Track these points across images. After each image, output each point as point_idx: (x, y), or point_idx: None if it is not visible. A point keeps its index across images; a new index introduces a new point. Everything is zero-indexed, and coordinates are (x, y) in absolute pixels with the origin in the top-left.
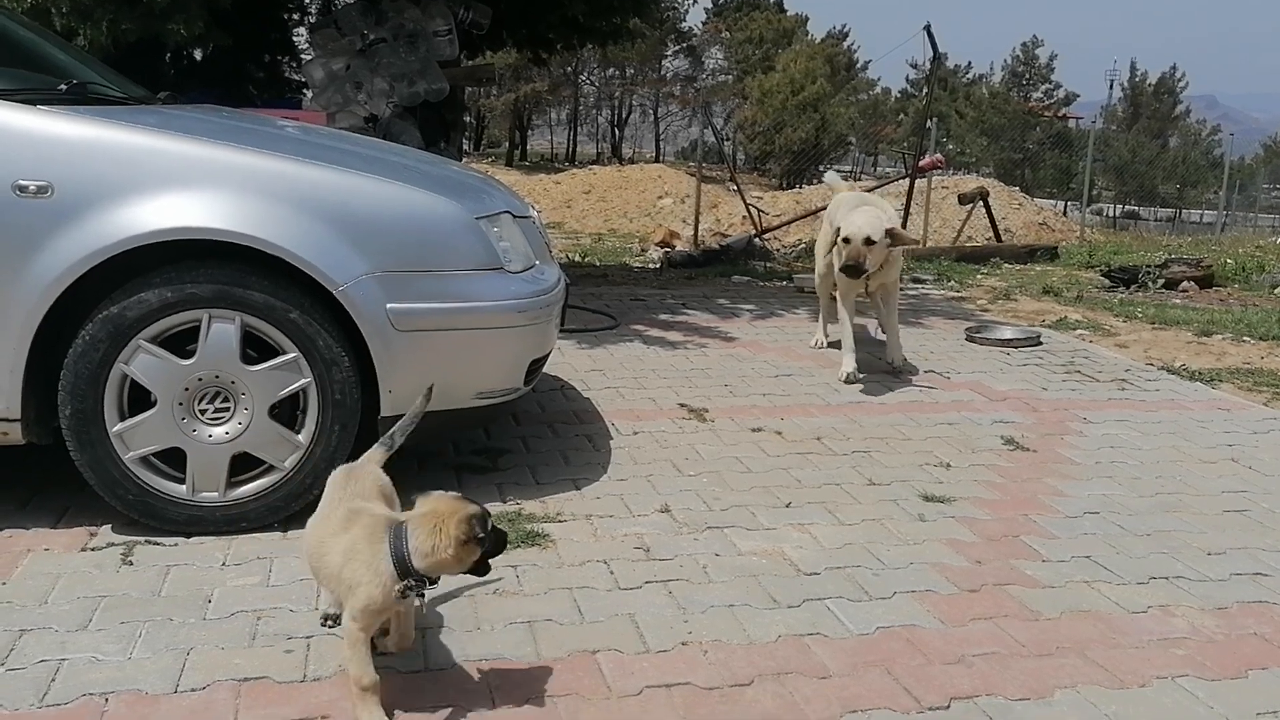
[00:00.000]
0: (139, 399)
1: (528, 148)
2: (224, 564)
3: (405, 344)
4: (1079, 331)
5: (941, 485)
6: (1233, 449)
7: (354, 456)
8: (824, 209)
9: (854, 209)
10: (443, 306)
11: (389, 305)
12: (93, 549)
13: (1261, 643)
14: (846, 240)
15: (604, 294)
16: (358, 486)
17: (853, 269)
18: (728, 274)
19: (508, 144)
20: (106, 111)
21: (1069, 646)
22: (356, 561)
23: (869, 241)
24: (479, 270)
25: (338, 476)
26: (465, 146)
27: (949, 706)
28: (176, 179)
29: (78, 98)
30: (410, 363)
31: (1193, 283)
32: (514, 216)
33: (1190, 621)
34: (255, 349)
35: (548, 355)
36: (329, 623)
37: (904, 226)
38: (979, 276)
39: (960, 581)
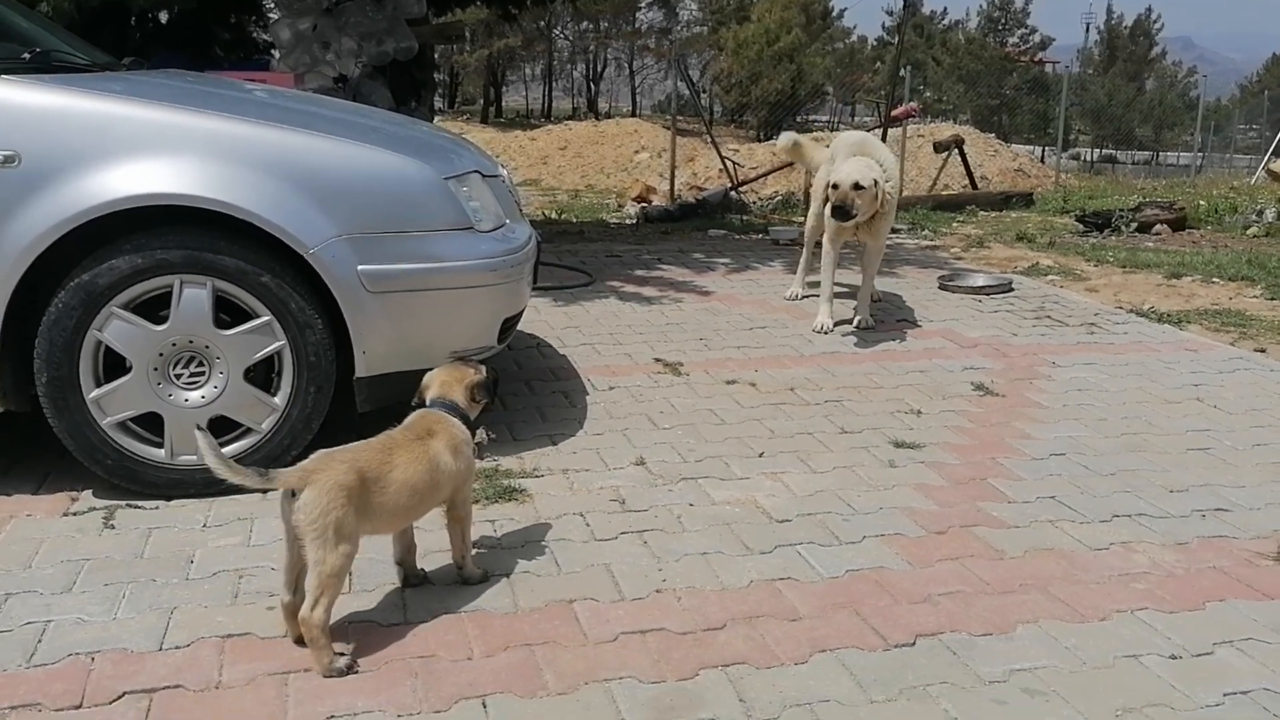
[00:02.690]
0: (114, 365)
1: (503, 104)
2: (205, 525)
3: (378, 305)
4: (1050, 277)
5: (912, 431)
6: (1198, 389)
7: (330, 418)
8: None
9: (848, 159)
10: (414, 267)
11: (360, 267)
12: (74, 514)
13: (1220, 575)
14: (835, 186)
15: (580, 250)
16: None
17: (840, 210)
18: (704, 228)
19: (482, 101)
20: (71, 79)
21: (1032, 584)
22: (462, 451)
23: (858, 186)
24: (449, 230)
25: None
26: (439, 105)
27: (914, 644)
28: (144, 145)
29: (42, 66)
30: (384, 324)
31: (1165, 225)
32: (483, 176)
33: (1151, 557)
34: (228, 313)
35: (521, 313)
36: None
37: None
38: (954, 224)
39: (928, 524)
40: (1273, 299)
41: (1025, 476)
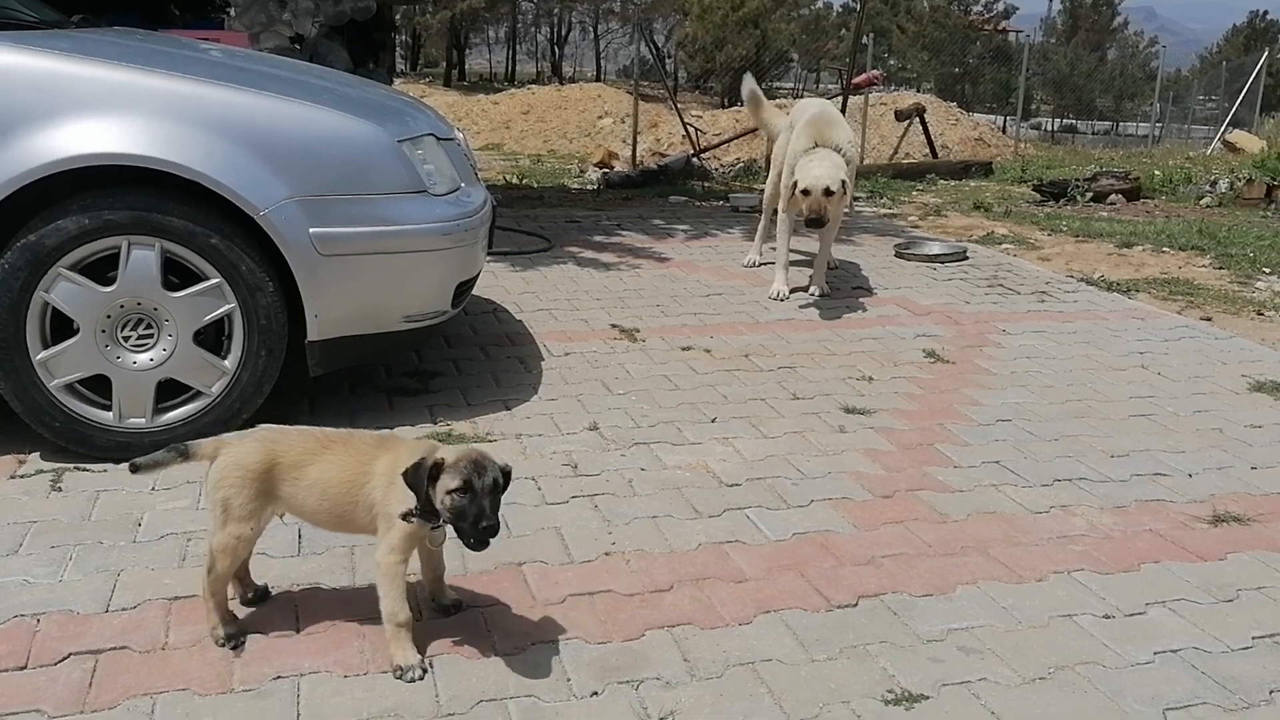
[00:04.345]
0: (62, 327)
1: (466, 67)
2: (153, 489)
3: (330, 268)
4: (1004, 246)
5: (863, 398)
6: (1144, 356)
7: (281, 381)
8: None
9: (812, 155)
10: (366, 230)
11: (312, 230)
12: (22, 476)
13: (1155, 538)
14: (806, 192)
15: (540, 216)
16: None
17: (815, 222)
18: (665, 194)
19: (445, 64)
20: (16, 36)
21: (973, 546)
22: (398, 489)
23: (828, 192)
24: (402, 193)
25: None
26: (401, 67)
27: (857, 604)
28: (91, 104)
29: None
30: (335, 287)
31: (1120, 195)
32: (438, 139)
33: (1089, 520)
34: (178, 275)
35: (476, 277)
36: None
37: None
38: (913, 193)
39: (875, 488)
40: (1221, 268)
41: (971, 442)
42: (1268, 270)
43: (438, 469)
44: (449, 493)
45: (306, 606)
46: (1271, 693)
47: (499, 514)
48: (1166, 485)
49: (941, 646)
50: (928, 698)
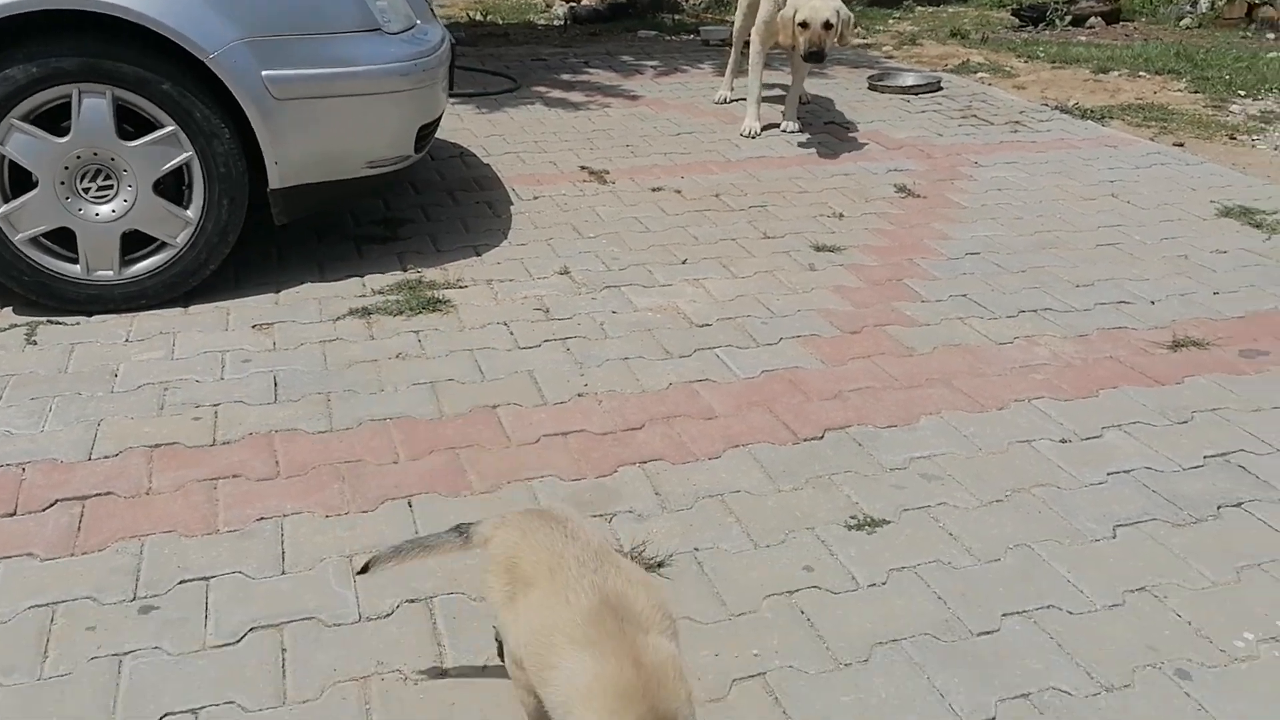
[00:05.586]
0: (21, 181)
1: None
2: (127, 340)
3: (286, 113)
4: (980, 75)
5: (833, 235)
6: (1114, 184)
7: (247, 230)
8: None
9: None
10: (321, 72)
11: (264, 73)
12: None
13: (1115, 364)
14: (804, 25)
15: (504, 54)
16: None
17: (816, 55)
18: (634, 29)
19: None
20: None
21: (937, 378)
22: (593, 710)
23: (828, 25)
24: (355, 32)
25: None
26: None
27: (823, 437)
28: None
29: None
30: (294, 132)
31: (1100, 18)
32: None
33: (1052, 349)
34: (133, 124)
35: (438, 120)
36: None
37: None
38: (889, 21)
39: (843, 325)
40: (1196, 92)
41: (939, 276)
42: (1243, 93)
43: None
44: None
45: (286, 451)
46: (1219, 508)
47: None
48: (1129, 313)
49: (904, 474)
50: (889, 522)
